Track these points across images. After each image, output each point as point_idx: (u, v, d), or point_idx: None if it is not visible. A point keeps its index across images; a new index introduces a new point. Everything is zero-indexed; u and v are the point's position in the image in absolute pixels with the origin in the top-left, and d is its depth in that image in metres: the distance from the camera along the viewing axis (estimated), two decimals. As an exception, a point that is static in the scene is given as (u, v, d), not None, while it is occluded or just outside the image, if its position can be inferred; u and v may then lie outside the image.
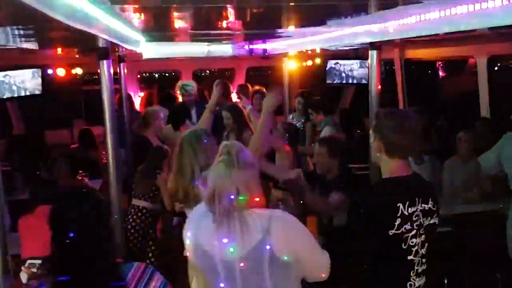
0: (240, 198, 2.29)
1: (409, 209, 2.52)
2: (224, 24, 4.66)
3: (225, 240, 2.27)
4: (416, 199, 2.56)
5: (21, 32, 3.98)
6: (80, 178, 5.79)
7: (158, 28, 4.85)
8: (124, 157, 5.88)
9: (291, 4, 3.54)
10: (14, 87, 7.63)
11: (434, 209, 2.63)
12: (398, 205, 2.50)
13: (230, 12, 3.80)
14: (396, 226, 2.49)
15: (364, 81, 8.36)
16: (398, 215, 2.49)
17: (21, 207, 4.54)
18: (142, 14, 3.73)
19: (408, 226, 2.52)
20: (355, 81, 8.93)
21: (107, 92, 3.56)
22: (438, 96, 9.64)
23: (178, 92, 7.30)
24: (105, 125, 3.58)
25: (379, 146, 2.61)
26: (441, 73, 9.82)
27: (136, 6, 3.33)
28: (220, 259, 2.28)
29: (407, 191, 2.57)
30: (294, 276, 2.34)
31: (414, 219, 2.54)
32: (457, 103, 8.93)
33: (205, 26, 4.92)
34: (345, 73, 8.95)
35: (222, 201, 2.28)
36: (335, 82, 9.03)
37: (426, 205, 2.60)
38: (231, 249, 2.26)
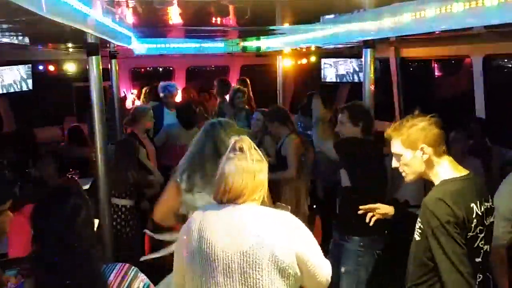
0: (251, 194, 2.30)
1: (481, 208, 2.43)
2: (218, 20, 4.60)
3: (229, 234, 2.25)
4: (482, 197, 2.47)
5: (11, 27, 3.92)
6: (70, 176, 5.71)
7: (148, 24, 4.79)
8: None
9: (285, 0, 3.49)
10: (4, 83, 7.52)
11: (493, 206, 2.55)
12: (472, 205, 2.39)
13: (224, 8, 3.75)
14: (472, 228, 2.38)
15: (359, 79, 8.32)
16: (474, 216, 2.39)
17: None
18: (131, 9, 3.66)
19: (480, 227, 2.43)
20: (350, 79, 8.89)
21: (96, 88, 3.52)
22: (433, 95, 9.60)
23: (161, 92, 7.26)
24: (94, 122, 3.53)
25: (422, 155, 2.50)
26: (436, 72, 9.78)
27: (125, 0, 3.27)
28: (221, 252, 2.24)
29: (474, 190, 2.47)
30: (293, 280, 2.29)
31: (483, 218, 2.45)
32: (452, 102, 8.88)
33: (197, 22, 4.86)
34: (340, 71, 8.90)
35: (232, 195, 2.29)
36: (329, 80, 8.98)
37: (488, 204, 2.51)
38: (234, 243, 2.23)
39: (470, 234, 2.39)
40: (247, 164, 2.30)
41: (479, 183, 2.56)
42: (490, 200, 2.54)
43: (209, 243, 2.26)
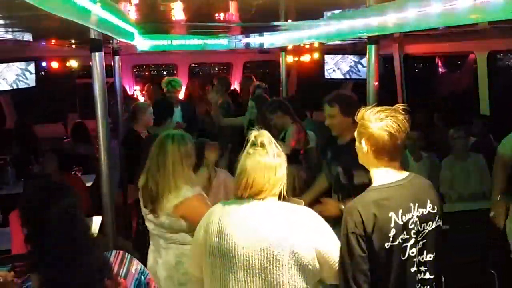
0: (272, 189, 2.30)
1: (403, 217, 2.36)
2: (221, 16, 4.59)
3: (249, 231, 2.25)
4: (411, 205, 2.39)
5: (14, 23, 3.91)
6: (73, 173, 5.71)
7: (152, 20, 4.77)
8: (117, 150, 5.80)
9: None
10: (7, 80, 7.51)
11: (434, 211, 2.46)
12: (390, 215, 2.33)
13: (227, 3, 3.73)
14: (391, 238, 2.33)
15: (362, 77, 8.29)
16: (392, 225, 2.33)
17: (12, 201, 4.46)
18: (135, 5, 3.65)
19: (404, 236, 2.36)
20: (353, 76, 8.86)
21: (99, 84, 3.50)
22: (437, 92, 9.57)
23: (164, 87, 7.22)
24: (97, 118, 3.51)
25: (366, 149, 2.44)
26: (440, 69, 9.75)
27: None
28: (242, 248, 2.24)
29: (399, 198, 2.39)
30: (312, 276, 2.30)
31: (410, 227, 2.37)
32: (456, 99, 8.86)
33: (201, 18, 4.85)
34: (343, 68, 8.88)
35: (254, 191, 2.29)
36: (333, 77, 8.96)
37: (423, 210, 2.42)
38: (254, 240, 2.23)
39: (390, 243, 2.33)
40: (269, 159, 2.29)
41: (416, 190, 2.46)
42: (428, 205, 2.44)
43: (229, 239, 2.26)
